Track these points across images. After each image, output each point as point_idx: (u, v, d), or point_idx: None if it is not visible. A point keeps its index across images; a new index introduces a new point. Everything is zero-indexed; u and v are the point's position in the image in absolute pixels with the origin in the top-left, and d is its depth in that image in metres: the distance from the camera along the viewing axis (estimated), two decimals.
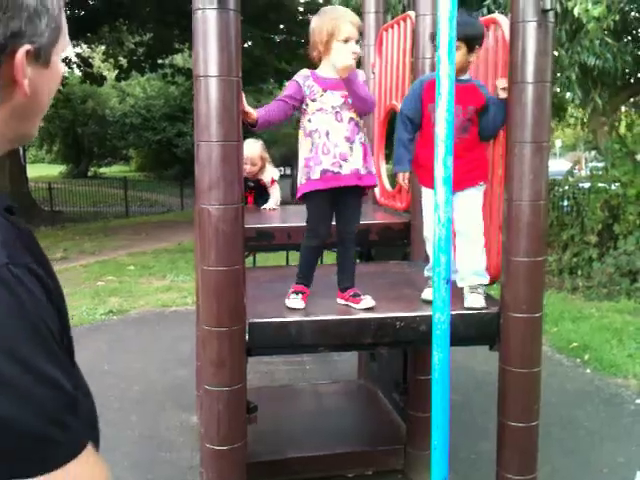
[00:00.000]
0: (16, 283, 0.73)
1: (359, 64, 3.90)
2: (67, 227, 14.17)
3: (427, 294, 2.47)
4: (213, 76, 2.03)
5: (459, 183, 2.53)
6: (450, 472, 1.92)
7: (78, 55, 19.07)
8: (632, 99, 9.17)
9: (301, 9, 17.45)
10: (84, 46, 19.97)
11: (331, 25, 2.31)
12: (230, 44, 2.04)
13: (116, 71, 18.38)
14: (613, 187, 7.74)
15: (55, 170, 31.23)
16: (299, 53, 17.87)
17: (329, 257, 3.51)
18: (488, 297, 2.52)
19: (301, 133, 2.46)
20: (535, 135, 2.21)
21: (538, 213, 2.26)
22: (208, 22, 2.01)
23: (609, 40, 6.38)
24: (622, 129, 9.08)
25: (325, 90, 2.37)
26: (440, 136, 1.71)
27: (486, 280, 2.56)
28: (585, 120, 8.65)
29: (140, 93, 29.28)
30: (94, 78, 18.44)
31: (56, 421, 0.76)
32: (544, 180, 2.26)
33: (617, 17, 6.14)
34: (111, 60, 18.81)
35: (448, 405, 1.77)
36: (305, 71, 2.44)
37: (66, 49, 0.93)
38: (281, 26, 17.54)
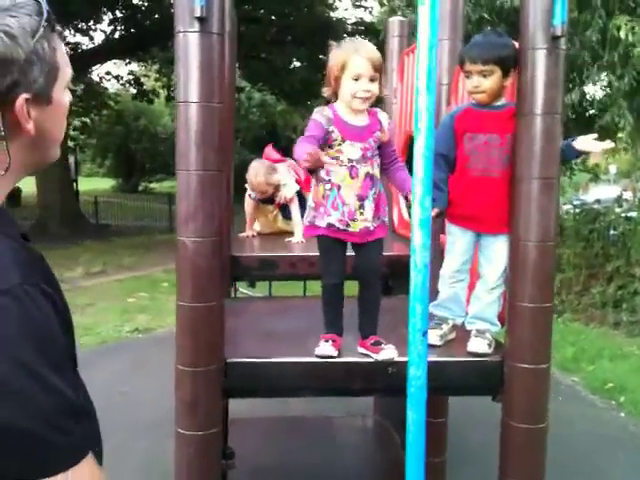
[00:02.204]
0: (28, 301, 0.81)
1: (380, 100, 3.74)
2: (111, 241, 14.38)
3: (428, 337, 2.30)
4: (193, 102, 1.93)
5: (495, 226, 2.29)
6: None
7: (130, 72, 19.53)
8: None
9: (349, 29, 17.49)
10: (136, 64, 20.46)
11: (342, 58, 2.07)
12: (212, 69, 1.93)
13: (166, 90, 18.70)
14: None
15: (107, 184, 31.98)
16: None
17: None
18: (497, 344, 2.32)
19: (314, 175, 2.22)
20: (543, 171, 2.03)
21: (546, 255, 2.07)
22: (189, 46, 1.91)
23: None
24: None
25: (344, 139, 2.11)
26: (418, 175, 1.56)
27: (496, 328, 2.37)
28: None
29: None
30: (145, 96, 18.82)
31: (58, 426, 0.81)
32: (552, 219, 2.07)
33: None
34: (164, 79, 19.15)
35: (423, 470, 1.60)
36: (327, 111, 2.14)
37: (69, 79, 1.00)
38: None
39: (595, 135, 2.14)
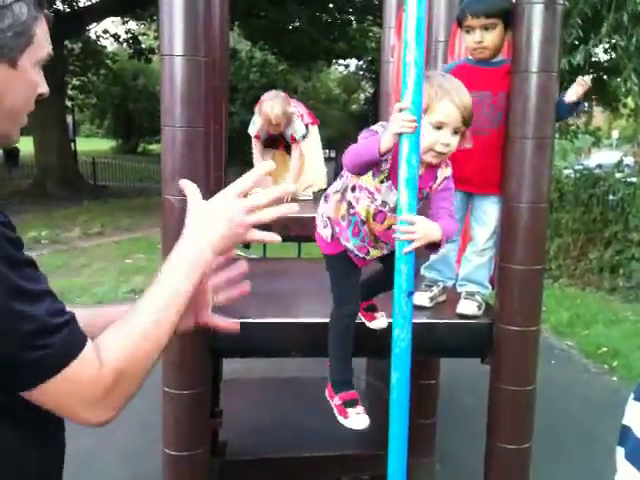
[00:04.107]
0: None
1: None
2: (109, 202, 14.34)
3: (418, 299, 2.28)
4: (178, 55, 1.87)
5: (484, 186, 2.23)
6: None
7: (128, 31, 19.22)
8: None
9: None
10: (134, 22, 20.12)
11: (428, 96, 1.61)
12: (197, 21, 1.87)
13: None
14: None
15: (107, 145, 31.78)
16: (347, 31, 17.58)
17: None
18: (487, 306, 2.31)
19: (338, 186, 1.85)
20: (537, 130, 1.98)
21: (538, 217, 2.04)
22: None
23: None
24: None
25: (389, 178, 1.69)
26: None
27: (487, 291, 2.35)
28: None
29: None
30: (142, 55, 18.56)
31: (30, 346, 0.84)
32: (546, 181, 2.03)
33: None
34: None
35: (406, 431, 1.59)
36: None
37: (43, 57, 0.97)
38: (330, 5, 17.27)
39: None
